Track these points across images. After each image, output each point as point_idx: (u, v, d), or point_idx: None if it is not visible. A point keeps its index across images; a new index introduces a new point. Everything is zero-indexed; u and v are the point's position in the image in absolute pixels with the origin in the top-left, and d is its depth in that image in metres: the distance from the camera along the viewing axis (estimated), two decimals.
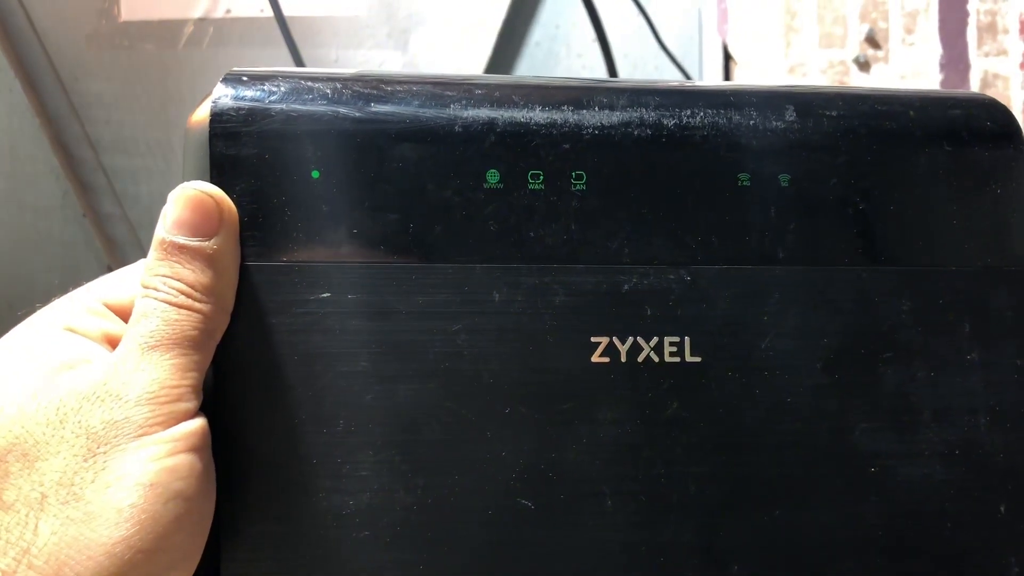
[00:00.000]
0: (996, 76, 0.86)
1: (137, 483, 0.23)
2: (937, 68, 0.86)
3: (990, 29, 0.85)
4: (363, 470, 0.26)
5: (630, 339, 0.28)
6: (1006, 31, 0.85)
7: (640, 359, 0.28)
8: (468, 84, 0.28)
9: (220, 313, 0.26)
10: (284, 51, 0.74)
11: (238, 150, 0.27)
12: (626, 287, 0.28)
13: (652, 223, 0.28)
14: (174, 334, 0.25)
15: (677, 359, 0.28)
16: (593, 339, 0.27)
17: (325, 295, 0.27)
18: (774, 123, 0.29)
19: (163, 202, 0.26)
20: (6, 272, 0.76)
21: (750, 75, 0.87)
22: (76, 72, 0.80)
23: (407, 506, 0.26)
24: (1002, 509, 0.29)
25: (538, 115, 0.28)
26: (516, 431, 0.27)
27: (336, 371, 0.26)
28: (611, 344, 0.27)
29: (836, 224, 0.29)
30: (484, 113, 0.28)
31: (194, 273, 0.25)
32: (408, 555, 0.26)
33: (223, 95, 0.27)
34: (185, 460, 0.24)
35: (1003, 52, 0.85)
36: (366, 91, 0.28)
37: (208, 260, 0.26)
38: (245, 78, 0.28)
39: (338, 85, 0.28)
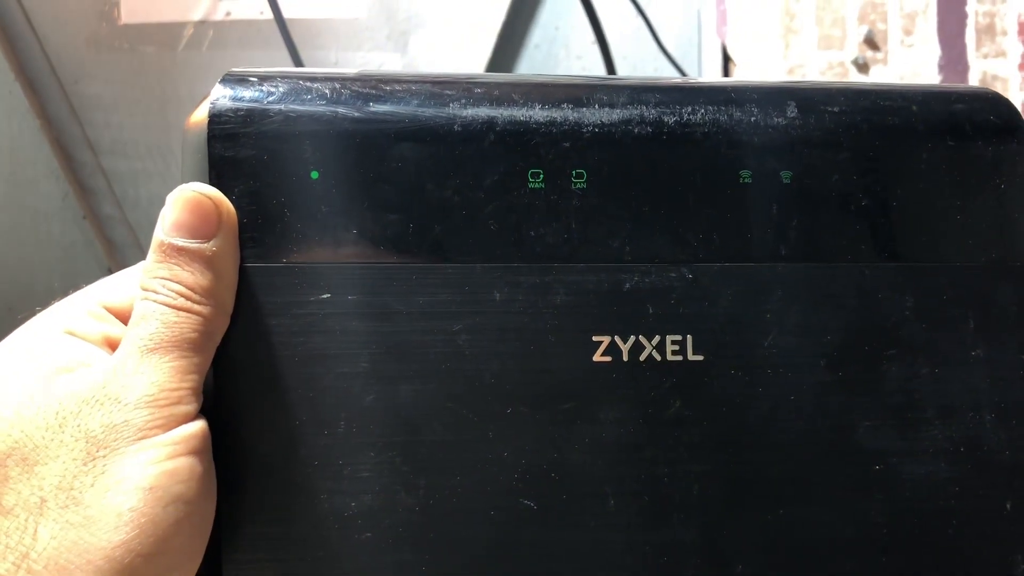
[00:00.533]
0: (995, 77, 0.86)
1: (137, 487, 0.23)
2: (936, 69, 0.86)
3: (989, 31, 0.85)
4: (364, 471, 0.26)
5: (632, 338, 0.27)
6: (1005, 33, 0.85)
7: (642, 358, 0.27)
8: (467, 83, 0.28)
9: (220, 315, 0.26)
10: (284, 53, 0.74)
11: (236, 151, 0.26)
12: (628, 286, 0.28)
13: (653, 221, 0.28)
14: (173, 336, 0.25)
15: (679, 358, 0.28)
16: (595, 338, 0.27)
17: (325, 296, 0.27)
18: (775, 119, 0.29)
19: (163, 204, 0.26)
20: (6, 274, 0.76)
21: (749, 77, 0.87)
22: (76, 74, 0.80)
23: (409, 507, 0.26)
24: (1008, 506, 0.29)
25: (538, 113, 0.28)
26: (518, 431, 0.27)
27: (336, 372, 0.26)
28: (613, 343, 0.27)
29: (838, 221, 0.29)
30: (483, 112, 0.28)
31: (193, 275, 0.25)
32: (410, 556, 0.26)
33: (221, 96, 0.27)
34: (185, 463, 0.24)
35: (1002, 54, 0.85)
36: (365, 91, 0.28)
37: (207, 262, 0.25)
38: (243, 79, 0.27)
39: (337, 85, 0.27)
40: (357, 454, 0.26)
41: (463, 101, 0.28)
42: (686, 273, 0.28)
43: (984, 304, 0.29)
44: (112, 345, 0.26)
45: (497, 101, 0.28)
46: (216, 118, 0.26)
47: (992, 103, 0.30)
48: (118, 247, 0.76)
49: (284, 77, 0.28)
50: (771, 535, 0.28)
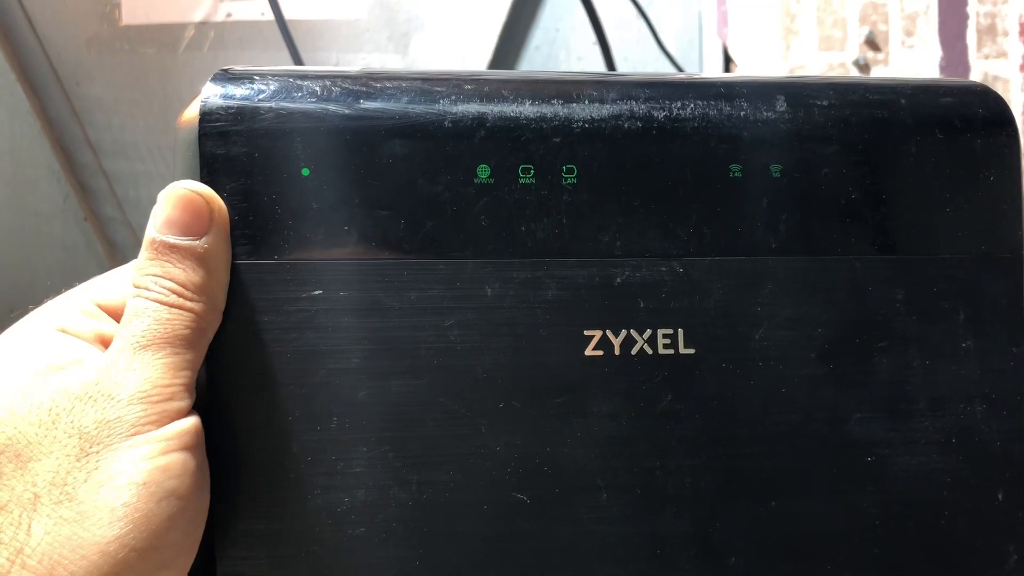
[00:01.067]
0: (996, 78, 0.86)
1: (130, 482, 0.23)
2: (937, 70, 0.86)
3: (990, 31, 0.85)
4: (357, 467, 0.26)
5: (624, 332, 0.28)
6: (1006, 33, 0.85)
7: (634, 352, 0.28)
8: (458, 79, 0.28)
9: (212, 312, 0.26)
10: (285, 55, 0.74)
11: (228, 149, 0.27)
12: (619, 280, 0.28)
13: (644, 215, 0.28)
14: (166, 333, 0.25)
15: (671, 351, 0.28)
16: (586, 332, 0.27)
17: (316, 293, 0.27)
18: (765, 114, 0.29)
19: None
20: (6, 275, 0.77)
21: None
22: (77, 76, 0.80)
23: (402, 502, 0.26)
24: (999, 496, 0.29)
25: (528, 109, 0.28)
26: (510, 426, 0.27)
27: (329, 368, 0.27)
28: (604, 337, 0.27)
29: (828, 214, 0.29)
30: (474, 108, 0.28)
31: (185, 272, 0.25)
32: (403, 551, 0.26)
33: (212, 94, 0.27)
34: (178, 458, 0.24)
35: (1003, 54, 0.85)
36: (355, 88, 0.28)
37: (199, 259, 0.26)
38: (234, 77, 0.28)
39: (327, 82, 0.28)
40: (350, 449, 0.26)
41: (453, 97, 0.28)
42: (677, 267, 0.28)
43: (974, 296, 0.29)
44: (105, 343, 0.26)
45: (487, 97, 0.28)
46: (207, 116, 0.27)
47: (981, 96, 0.30)
48: (119, 248, 0.76)
49: (275, 75, 0.28)
50: (764, 527, 0.28)
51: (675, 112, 0.28)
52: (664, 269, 0.28)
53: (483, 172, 0.27)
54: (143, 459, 0.23)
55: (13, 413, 0.24)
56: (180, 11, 0.82)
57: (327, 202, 0.27)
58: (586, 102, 0.28)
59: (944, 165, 0.29)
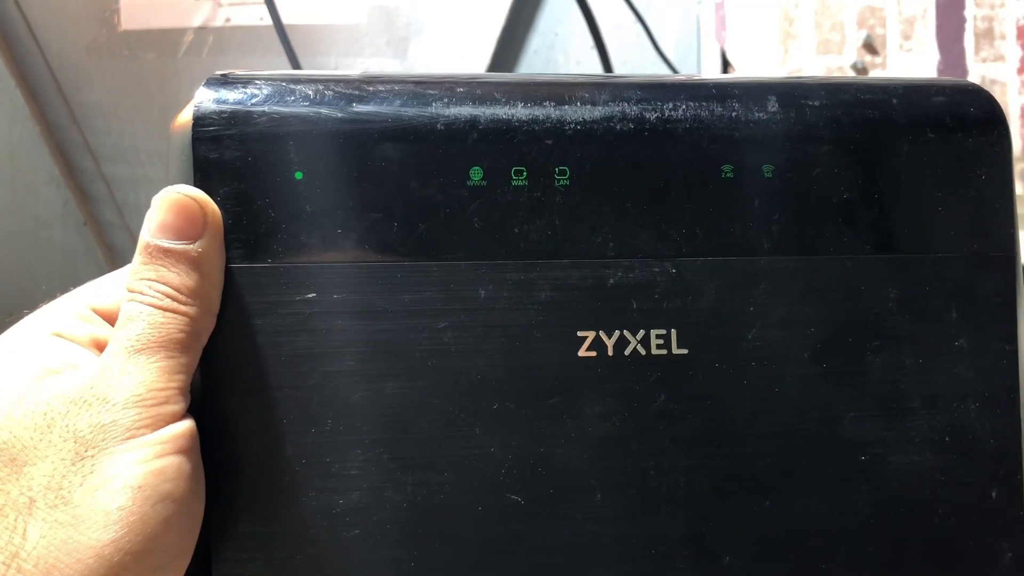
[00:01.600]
0: (994, 82, 0.86)
1: (125, 485, 0.23)
2: (935, 74, 0.86)
3: (987, 35, 0.86)
4: (352, 469, 0.27)
5: (617, 333, 0.28)
6: (1003, 37, 0.86)
7: (627, 352, 0.28)
8: (450, 82, 0.29)
9: (206, 315, 0.26)
10: (284, 59, 0.75)
11: (221, 153, 0.27)
12: (611, 281, 0.28)
13: (636, 217, 0.28)
14: (160, 337, 0.25)
15: (664, 352, 0.28)
16: (580, 334, 0.28)
17: (310, 296, 0.27)
18: (756, 114, 0.29)
19: None
20: (6, 280, 0.77)
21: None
22: (76, 81, 0.80)
23: (396, 504, 0.27)
24: (993, 494, 0.29)
25: (520, 111, 0.28)
26: (504, 427, 0.27)
27: (323, 371, 0.27)
28: (598, 338, 0.28)
29: (821, 213, 0.29)
30: (466, 111, 0.28)
31: (179, 276, 0.25)
32: (398, 553, 0.27)
33: (205, 99, 0.27)
34: (173, 462, 0.24)
35: (1000, 58, 0.86)
36: (348, 91, 0.28)
37: (193, 263, 0.26)
38: (228, 81, 0.28)
39: (320, 86, 0.28)
40: (344, 452, 0.27)
41: (446, 100, 0.28)
42: (669, 268, 0.28)
43: (966, 294, 0.29)
44: (100, 347, 0.26)
45: (480, 100, 0.28)
46: (200, 120, 0.27)
47: (972, 95, 0.30)
48: (119, 253, 0.76)
49: (268, 79, 0.28)
50: (758, 527, 0.28)
51: (667, 113, 0.28)
52: (657, 270, 0.28)
53: (476, 174, 0.28)
54: (138, 463, 0.23)
55: (9, 417, 0.24)
56: (179, 16, 0.82)
57: (320, 205, 0.27)
58: (578, 104, 0.28)
59: (936, 164, 0.29)
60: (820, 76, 0.32)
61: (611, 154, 0.28)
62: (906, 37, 0.88)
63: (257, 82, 0.28)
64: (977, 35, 0.88)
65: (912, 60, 0.88)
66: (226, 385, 0.26)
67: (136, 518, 0.23)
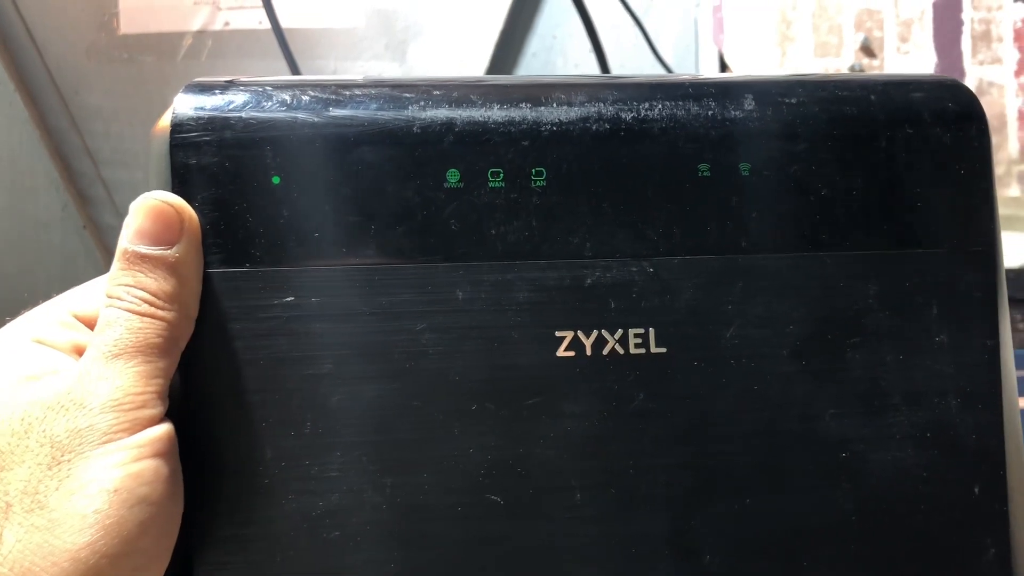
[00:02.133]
0: (991, 84, 0.86)
1: (101, 489, 0.23)
2: None
3: (984, 38, 0.86)
4: (331, 471, 0.27)
5: (595, 332, 0.28)
6: (1000, 39, 0.86)
7: (605, 352, 0.28)
8: (426, 85, 0.29)
9: (184, 320, 0.26)
10: (282, 63, 0.75)
11: (198, 159, 0.27)
12: (589, 281, 0.28)
13: (613, 217, 0.28)
14: (138, 342, 0.25)
15: (642, 351, 0.28)
16: (558, 334, 0.28)
17: (289, 299, 0.27)
18: (733, 113, 0.29)
19: None
20: (5, 284, 0.77)
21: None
22: (76, 85, 0.80)
23: (376, 505, 0.27)
24: (976, 490, 0.29)
25: (496, 113, 0.28)
26: (483, 428, 0.27)
27: (302, 374, 0.27)
28: (576, 338, 0.28)
29: (798, 211, 0.29)
30: (442, 113, 0.28)
31: (156, 281, 0.26)
32: (378, 554, 0.27)
33: (183, 105, 0.27)
34: (150, 465, 0.24)
35: (997, 60, 0.86)
36: (325, 96, 0.28)
37: (170, 268, 0.26)
38: (206, 87, 0.28)
39: (296, 91, 0.28)
40: (324, 454, 0.27)
41: (422, 103, 0.28)
42: (647, 267, 0.28)
43: (947, 290, 0.29)
44: (81, 353, 0.26)
45: (456, 102, 0.28)
46: (178, 127, 0.27)
47: (952, 91, 0.30)
48: None
49: (246, 85, 0.28)
50: (738, 525, 0.28)
51: (643, 113, 0.28)
52: (634, 269, 0.28)
53: (452, 176, 0.28)
54: (115, 466, 0.24)
55: None
56: (178, 20, 0.82)
57: (298, 210, 0.27)
58: (554, 105, 0.28)
59: (914, 160, 0.29)
60: (799, 74, 0.32)
61: (587, 155, 0.28)
62: (903, 40, 0.88)
63: (235, 88, 0.28)
64: (974, 38, 0.88)
65: (909, 63, 0.88)
66: (205, 389, 0.27)
67: (112, 521, 0.23)
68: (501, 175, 0.28)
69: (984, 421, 0.29)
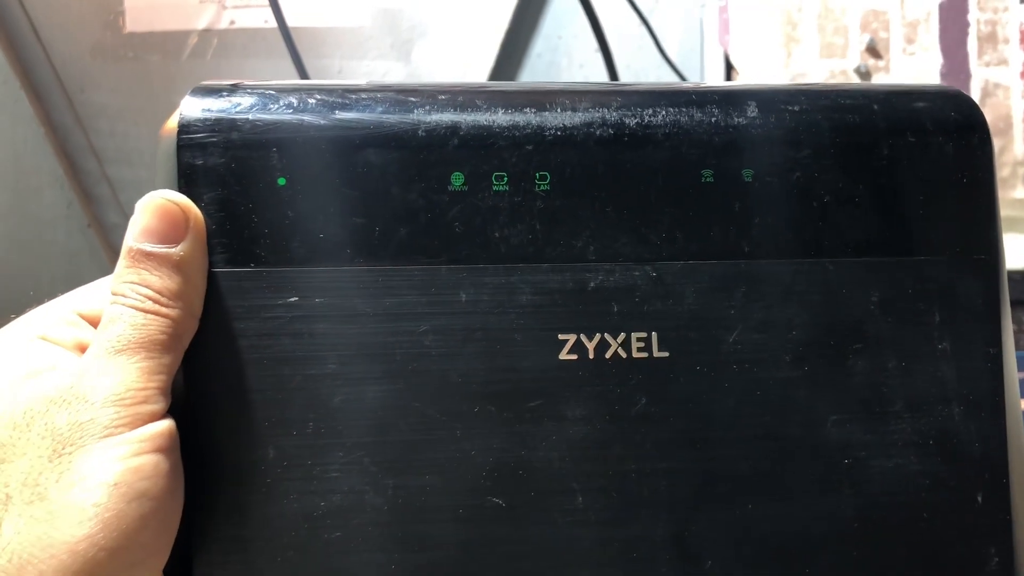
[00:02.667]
0: (997, 86, 0.86)
1: (101, 482, 0.23)
2: (938, 78, 0.86)
3: (991, 39, 0.86)
4: (333, 471, 0.27)
5: (597, 336, 0.28)
6: (1007, 41, 0.86)
7: (608, 355, 0.28)
8: (431, 90, 0.29)
9: (188, 318, 0.26)
10: (288, 62, 0.75)
11: (205, 159, 0.27)
12: (592, 284, 0.28)
13: (616, 221, 0.28)
14: (141, 338, 0.25)
15: (645, 355, 0.28)
16: (560, 337, 0.28)
17: (293, 299, 0.27)
18: (736, 119, 0.29)
19: None
20: (9, 282, 0.77)
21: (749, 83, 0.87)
22: (81, 83, 0.81)
23: (377, 507, 0.27)
24: (979, 499, 0.29)
25: (501, 118, 0.28)
26: (485, 430, 0.27)
27: (305, 374, 0.27)
28: (578, 341, 0.28)
29: (800, 217, 0.29)
30: (447, 117, 0.28)
31: (161, 279, 0.26)
32: (379, 555, 0.27)
33: (191, 106, 0.28)
34: (151, 460, 0.24)
35: (1003, 62, 0.86)
36: (331, 99, 0.28)
37: (175, 266, 0.26)
38: (213, 90, 0.28)
39: (303, 95, 0.28)
40: (326, 454, 0.27)
41: (427, 107, 0.28)
42: (650, 271, 0.28)
43: (949, 297, 0.29)
44: (85, 350, 0.26)
45: (461, 107, 0.28)
46: (185, 128, 0.27)
47: (953, 100, 0.30)
48: None
49: (252, 88, 0.28)
50: (740, 531, 0.28)
51: (646, 119, 0.29)
52: (637, 273, 0.28)
53: (457, 180, 0.28)
54: (115, 460, 0.24)
55: None
56: (184, 19, 0.82)
57: (303, 211, 0.27)
58: (558, 110, 0.28)
59: (917, 168, 0.29)
60: (802, 83, 0.32)
61: (591, 159, 0.28)
62: (909, 41, 0.88)
63: (241, 91, 0.28)
64: (980, 39, 0.88)
65: (915, 64, 0.88)
66: (208, 387, 0.27)
67: (111, 514, 0.23)
68: (505, 179, 0.28)
69: (987, 429, 0.29)
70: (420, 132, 0.28)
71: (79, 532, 0.23)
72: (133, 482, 0.24)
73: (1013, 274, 0.70)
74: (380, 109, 0.28)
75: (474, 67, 0.85)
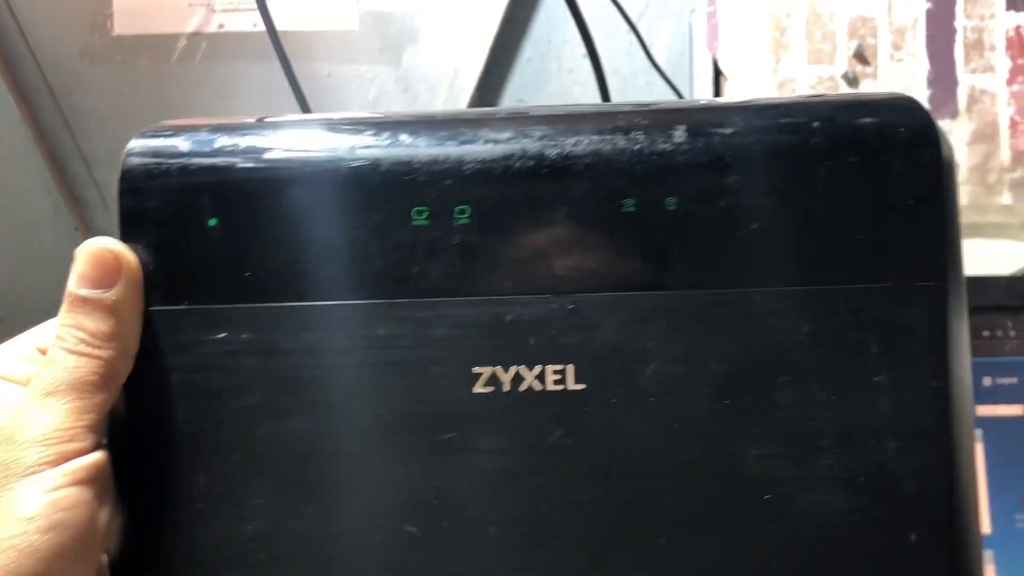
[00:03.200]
0: (983, 92, 0.87)
1: (18, 517, 0.24)
2: (925, 84, 0.87)
3: (977, 46, 0.86)
4: (257, 500, 0.28)
5: (513, 368, 0.28)
6: (993, 48, 0.86)
7: (523, 388, 0.28)
8: (358, 124, 0.29)
9: (122, 357, 0.28)
10: (277, 65, 0.74)
11: (143, 203, 0.28)
12: (509, 317, 0.28)
13: (535, 253, 0.28)
14: (72, 380, 0.26)
15: (561, 387, 0.28)
16: (476, 370, 0.28)
17: (222, 335, 0.28)
18: (661, 146, 0.28)
19: None
20: None
21: (740, 91, 0.87)
22: (69, 86, 0.80)
23: (298, 532, 0.28)
24: (912, 537, 0.27)
25: (422, 151, 0.29)
26: (401, 461, 0.28)
27: (232, 406, 0.28)
28: (494, 374, 0.28)
29: (727, 246, 0.28)
30: (370, 153, 0.29)
31: (95, 323, 0.27)
32: None
33: (132, 152, 0.29)
34: (70, 492, 0.25)
35: (990, 69, 0.86)
36: (262, 139, 0.29)
37: (108, 309, 0.27)
38: (155, 133, 0.29)
39: (237, 135, 0.29)
40: (251, 484, 0.28)
41: (351, 144, 0.29)
42: (567, 304, 0.28)
43: (889, 327, 0.28)
44: None
45: (385, 141, 0.29)
46: (127, 173, 0.29)
47: (906, 113, 0.29)
48: None
49: (194, 129, 0.29)
50: (655, 565, 0.28)
51: (568, 149, 0.28)
52: (554, 306, 0.28)
53: (378, 215, 0.28)
54: (35, 495, 0.25)
55: None
56: (173, 22, 0.82)
57: (232, 250, 0.28)
58: (480, 143, 0.29)
59: (856, 190, 0.28)
60: (747, 100, 0.31)
61: (511, 191, 0.28)
62: (897, 47, 0.89)
63: (182, 133, 0.29)
64: (967, 46, 0.88)
65: (903, 70, 0.89)
66: (144, 420, 0.28)
67: (26, 545, 0.24)
68: (425, 213, 0.28)
69: (924, 465, 0.28)
70: (344, 169, 0.28)
71: None
72: (50, 514, 0.25)
73: (998, 280, 0.70)
74: (308, 146, 0.29)
75: (464, 71, 0.85)
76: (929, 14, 0.87)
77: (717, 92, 0.89)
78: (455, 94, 0.84)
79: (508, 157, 0.28)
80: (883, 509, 0.28)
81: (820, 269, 0.28)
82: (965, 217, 1.07)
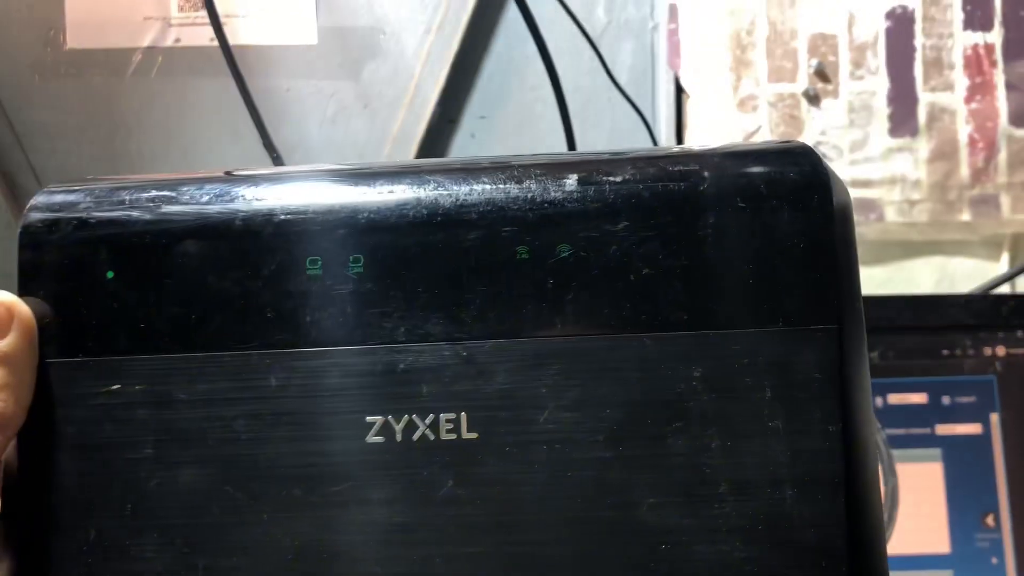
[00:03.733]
0: (943, 110, 0.87)
1: None
2: (885, 101, 0.87)
3: (936, 64, 0.87)
4: (149, 552, 0.28)
5: (405, 417, 0.28)
6: (952, 66, 0.87)
7: (415, 437, 0.28)
8: (256, 177, 0.30)
9: (14, 408, 0.28)
10: (232, 81, 0.74)
11: (41, 257, 0.29)
12: (402, 366, 0.28)
13: (427, 302, 0.28)
14: None
15: (454, 436, 0.28)
16: (368, 419, 0.28)
17: (115, 387, 0.28)
18: (553, 194, 0.29)
19: None
20: None
21: (702, 109, 0.88)
22: (20, 101, 0.79)
23: None
24: None
25: (317, 202, 0.29)
26: (291, 513, 0.28)
27: (124, 458, 0.28)
28: (387, 423, 0.28)
29: (618, 292, 0.28)
30: (265, 205, 0.29)
31: None
32: None
33: (33, 208, 0.30)
34: None
35: (949, 87, 0.87)
36: (160, 194, 0.29)
37: None
38: (55, 191, 0.30)
39: (136, 191, 0.30)
40: (142, 536, 0.28)
41: (247, 196, 0.29)
42: (460, 351, 0.28)
43: (783, 372, 0.28)
44: None
45: (280, 193, 0.29)
46: (26, 228, 0.29)
47: (796, 159, 0.29)
48: None
49: (95, 185, 0.30)
50: None
51: (461, 198, 0.29)
52: (448, 353, 0.28)
53: (271, 266, 0.28)
54: None
55: None
56: (127, 36, 0.81)
57: (127, 303, 0.29)
58: (375, 194, 0.29)
59: (746, 236, 0.28)
60: (640, 150, 0.31)
61: (404, 241, 0.29)
62: (857, 65, 0.89)
63: (82, 189, 0.30)
64: (926, 64, 0.89)
65: (863, 87, 0.89)
66: (38, 472, 0.28)
67: None
68: (319, 263, 0.29)
69: (824, 512, 0.27)
70: (237, 222, 0.29)
71: None
72: None
73: (957, 298, 0.71)
74: (205, 199, 0.29)
75: (424, 86, 0.85)
76: (888, 32, 0.87)
77: (679, 109, 0.89)
78: (415, 111, 0.84)
79: (402, 206, 0.29)
80: (782, 558, 0.27)
81: (714, 315, 0.28)
82: (925, 234, 1.08)
